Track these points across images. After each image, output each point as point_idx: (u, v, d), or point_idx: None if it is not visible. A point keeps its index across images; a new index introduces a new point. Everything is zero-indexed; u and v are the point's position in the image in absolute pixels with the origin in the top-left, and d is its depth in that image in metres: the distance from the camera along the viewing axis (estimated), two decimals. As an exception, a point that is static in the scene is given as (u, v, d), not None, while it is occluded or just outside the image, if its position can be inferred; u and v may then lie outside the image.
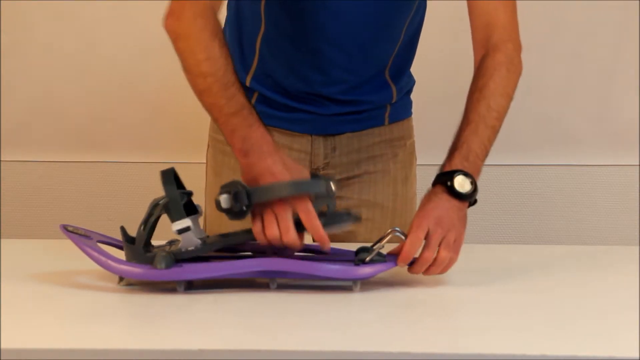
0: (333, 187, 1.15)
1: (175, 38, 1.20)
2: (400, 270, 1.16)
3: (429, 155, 2.06)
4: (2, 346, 0.90)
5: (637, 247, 1.40)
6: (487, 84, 1.25)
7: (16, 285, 1.15)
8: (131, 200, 2.20)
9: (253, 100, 1.41)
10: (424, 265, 1.13)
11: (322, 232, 1.10)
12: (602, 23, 2.12)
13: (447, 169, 1.19)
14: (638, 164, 2.19)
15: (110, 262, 1.11)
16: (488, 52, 1.30)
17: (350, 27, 1.33)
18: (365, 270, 1.12)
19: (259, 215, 1.11)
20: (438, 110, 1.98)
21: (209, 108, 1.20)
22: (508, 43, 1.30)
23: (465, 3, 1.35)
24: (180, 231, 1.11)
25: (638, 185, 2.20)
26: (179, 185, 1.15)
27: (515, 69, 1.30)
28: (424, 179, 1.95)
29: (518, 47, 1.32)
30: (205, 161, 1.54)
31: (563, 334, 0.98)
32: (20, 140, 2.21)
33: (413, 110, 1.55)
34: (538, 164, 2.20)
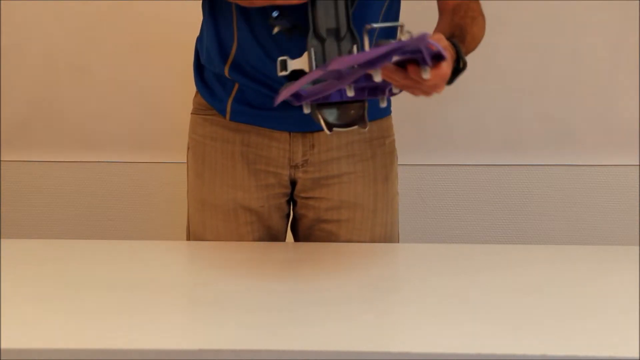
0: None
1: None
2: (399, 269, 1.16)
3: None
4: (2, 346, 0.91)
5: (637, 247, 1.40)
6: (477, 18, 1.35)
7: (16, 285, 1.15)
8: (131, 200, 2.19)
9: (233, 95, 1.41)
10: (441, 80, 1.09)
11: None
12: (602, 23, 2.12)
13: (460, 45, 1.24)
14: (638, 164, 2.18)
15: None
16: None
17: None
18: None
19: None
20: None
21: None
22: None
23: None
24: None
25: (638, 185, 2.20)
26: None
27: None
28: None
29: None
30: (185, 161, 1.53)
31: (563, 334, 0.98)
32: (20, 140, 2.20)
33: (393, 109, 1.54)
34: (538, 164, 2.20)
